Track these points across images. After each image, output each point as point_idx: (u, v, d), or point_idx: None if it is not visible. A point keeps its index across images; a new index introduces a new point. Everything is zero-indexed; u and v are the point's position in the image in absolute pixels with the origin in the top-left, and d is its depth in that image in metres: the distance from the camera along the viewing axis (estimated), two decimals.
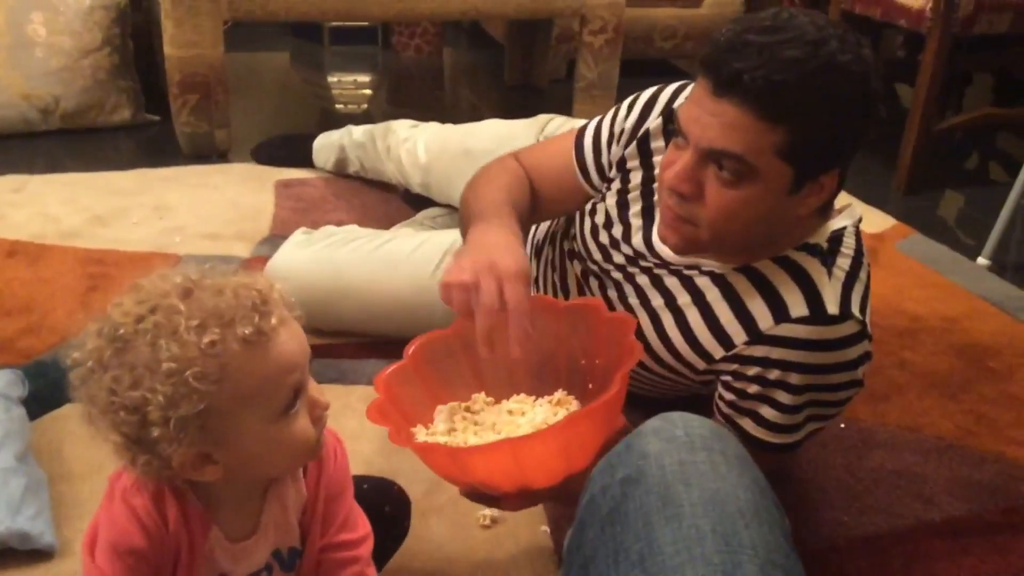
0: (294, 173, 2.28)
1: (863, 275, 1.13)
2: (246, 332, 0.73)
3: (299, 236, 1.65)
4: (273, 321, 0.75)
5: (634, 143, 1.23)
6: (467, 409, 1.11)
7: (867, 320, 1.10)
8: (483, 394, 1.14)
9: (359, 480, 1.01)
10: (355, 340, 1.59)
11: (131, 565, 0.80)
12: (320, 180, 2.25)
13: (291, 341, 0.77)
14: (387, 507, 1.07)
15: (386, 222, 1.94)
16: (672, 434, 0.71)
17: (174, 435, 0.72)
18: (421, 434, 1.06)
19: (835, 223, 1.15)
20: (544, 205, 1.35)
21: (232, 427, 0.75)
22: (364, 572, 0.93)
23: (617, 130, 1.26)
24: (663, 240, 1.13)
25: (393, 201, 2.13)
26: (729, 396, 1.16)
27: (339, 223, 1.75)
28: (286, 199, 2.13)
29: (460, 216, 1.32)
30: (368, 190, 2.20)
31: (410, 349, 1.12)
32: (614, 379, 0.96)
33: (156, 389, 0.72)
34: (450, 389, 1.13)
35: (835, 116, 0.97)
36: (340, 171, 2.25)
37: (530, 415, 1.08)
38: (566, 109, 2.52)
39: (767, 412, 1.13)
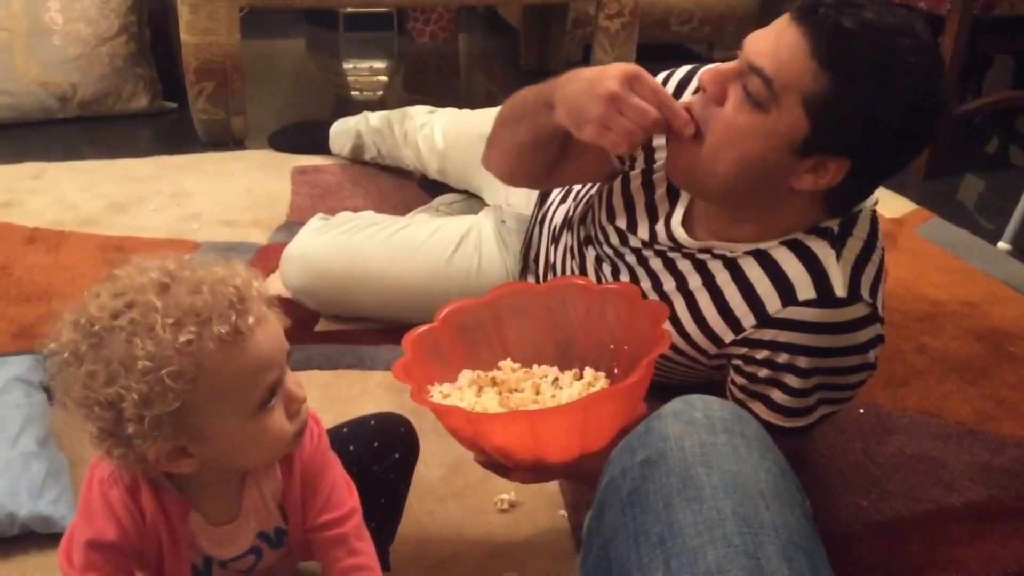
0: (311, 160, 2.28)
1: (875, 258, 1.12)
2: (223, 331, 0.73)
3: (316, 222, 1.65)
4: (250, 320, 0.75)
5: None
6: (493, 380, 1.11)
7: (878, 303, 1.09)
8: (509, 360, 1.14)
9: (366, 418, 1.04)
10: (372, 326, 1.59)
11: (106, 558, 0.80)
12: (336, 167, 2.25)
13: (268, 339, 0.77)
14: (401, 428, 1.07)
15: (402, 208, 1.94)
16: (692, 416, 0.71)
17: (148, 432, 0.73)
18: (440, 396, 1.06)
19: None
20: (572, 158, 1.30)
21: (208, 423, 0.75)
22: (354, 548, 0.93)
23: None
24: (667, 165, 1.13)
25: (409, 187, 2.13)
26: (740, 380, 1.16)
27: (355, 209, 1.75)
28: (303, 186, 2.14)
29: (497, 124, 1.33)
30: (384, 176, 2.20)
31: (441, 314, 1.12)
32: (639, 364, 0.96)
33: (131, 387, 0.71)
34: (477, 358, 1.14)
35: (874, 101, 0.96)
36: (356, 157, 2.25)
37: (560, 394, 1.07)
38: None
39: (777, 396, 1.12)
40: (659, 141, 1.23)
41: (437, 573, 1.12)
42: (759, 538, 0.62)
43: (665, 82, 1.23)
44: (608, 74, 1.05)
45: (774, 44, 0.98)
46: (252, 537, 0.88)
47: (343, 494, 0.93)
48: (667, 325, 1.19)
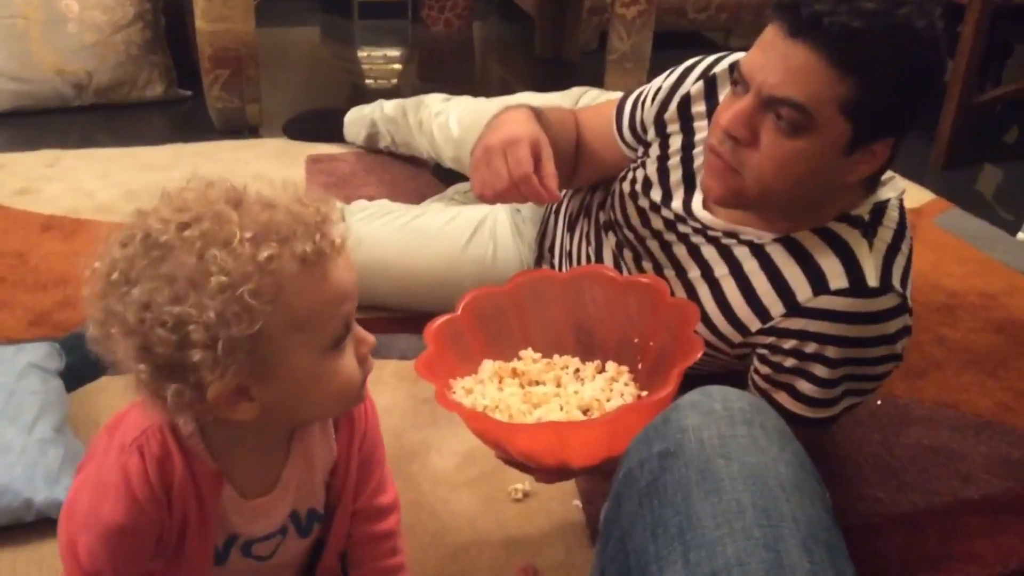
0: (325, 148, 2.28)
1: (905, 248, 1.11)
2: (306, 250, 0.66)
3: None
4: (334, 242, 0.69)
5: (674, 106, 1.22)
6: (514, 370, 1.11)
7: (908, 294, 1.08)
8: (531, 350, 1.14)
9: None
10: (387, 315, 1.59)
11: (119, 547, 0.73)
12: (351, 155, 2.25)
13: (348, 267, 0.70)
14: None
15: (416, 197, 1.94)
16: (711, 408, 0.70)
17: (221, 359, 0.64)
18: (463, 392, 1.06)
19: (879, 195, 1.13)
20: (586, 158, 1.36)
21: (280, 357, 0.67)
22: (398, 546, 0.91)
23: (655, 88, 1.27)
24: (706, 192, 1.11)
25: (423, 176, 2.13)
26: (765, 369, 1.15)
27: (370, 198, 1.75)
28: (317, 174, 2.13)
29: None
30: (399, 165, 2.19)
31: (462, 303, 1.12)
32: (670, 376, 0.95)
33: (204, 305, 0.63)
34: (498, 347, 1.14)
35: (902, 78, 0.96)
36: (371, 146, 2.24)
37: (583, 391, 1.07)
38: (598, 82, 2.49)
39: (803, 386, 1.11)
40: (672, 128, 1.23)
41: (451, 562, 1.12)
42: (779, 530, 0.61)
43: (690, 68, 1.23)
44: (505, 135, 1.13)
45: (786, 68, 0.96)
46: (285, 514, 0.81)
47: (390, 481, 0.90)
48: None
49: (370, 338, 0.75)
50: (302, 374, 0.69)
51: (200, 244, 0.64)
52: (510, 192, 1.12)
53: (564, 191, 1.51)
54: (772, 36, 0.99)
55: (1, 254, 1.70)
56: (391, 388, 1.41)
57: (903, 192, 1.16)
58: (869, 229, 1.09)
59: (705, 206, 1.18)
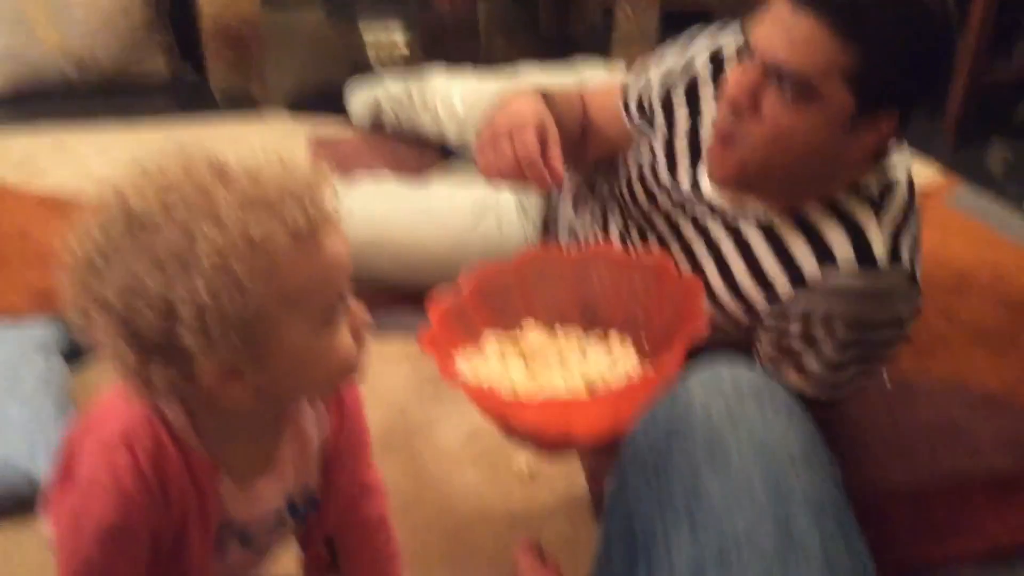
0: (329, 126, 2.26)
1: (914, 225, 1.10)
2: (298, 223, 0.62)
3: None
4: (325, 212, 0.65)
5: (682, 87, 1.21)
6: (517, 342, 1.11)
7: (917, 271, 1.07)
8: (533, 320, 1.13)
9: None
10: (392, 291, 1.58)
11: (115, 549, 0.69)
12: (355, 134, 2.23)
13: (340, 240, 0.67)
14: None
15: (421, 175, 1.92)
16: (719, 383, 0.69)
17: (213, 339, 0.61)
18: (467, 367, 1.05)
19: (887, 172, 1.11)
20: (593, 137, 1.36)
21: (273, 335, 0.64)
22: (391, 533, 0.89)
23: (662, 67, 1.26)
24: (709, 168, 1.10)
25: (428, 154, 2.11)
26: (771, 346, 1.14)
27: (374, 176, 1.74)
28: (321, 153, 2.12)
29: None
30: (404, 143, 2.17)
31: (465, 278, 1.11)
32: (676, 352, 0.94)
33: (194, 285, 0.59)
34: (502, 323, 1.14)
35: (907, 49, 0.95)
36: (375, 124, 2.23)
37: (585, 366, 1.06)
38: (603, 60, 2.47)
39: (810, 363, 1.10)
40: (679, 107, 1.21)
41: (455, 538, 1.12)
42: (789, 505, 0.60)
43: (692, 34, 1.22)
44: (512, 118, 1.13)
45: (790, 39, 0.95)
46: (280, 498, 0.79)
47: (375, 464, 0.89)
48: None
49: (364, 311, 0.72)
50: (296, 352, 0.66)
51: (185, 218, 0.60)
52: (515, 176, 1.12)
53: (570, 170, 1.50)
54: (778, 6, 0.98)
55: (4, 232, 1.69)
56: (395, 364, 1.41)
57: (912, 169, 1.14)
58: (878, 205, 1.08)
59: (712, 183, 1.16)
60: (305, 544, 0.89)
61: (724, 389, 0.69)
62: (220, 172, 0.63)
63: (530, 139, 1.11)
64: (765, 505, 0.60)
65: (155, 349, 0.62)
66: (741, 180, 1.08)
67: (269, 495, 0.78)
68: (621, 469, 0.73)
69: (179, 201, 0.61)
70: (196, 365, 0.62)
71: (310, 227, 0.63)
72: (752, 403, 0.67)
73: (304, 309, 0.65)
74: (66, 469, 0.72)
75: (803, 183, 1.07)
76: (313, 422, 0.80)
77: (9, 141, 2.09)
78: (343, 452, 0.83)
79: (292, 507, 0.81)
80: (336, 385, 0.77)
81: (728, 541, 0.59)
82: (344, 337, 0.69)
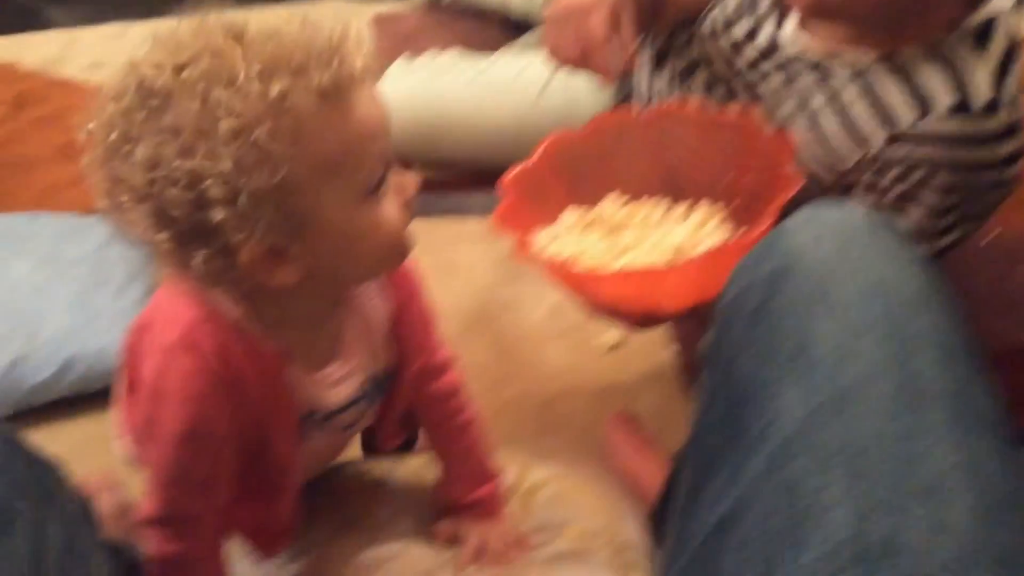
0: (389, 5, 2.20)
1: (1015, 66, 1.01)
2: (323, 82, 0.58)
3: (400, 65, 1.59)
4: (353, 71, 0.60)
5: None
6: (598, 217, 1.06)
7: (1020, 113, 0.99)
8: (615, 193, 1.08)
9: None
10: (463, 172, 1.54)
11: (193, 453, 0.67)
12: (415, 11, 2.17)
13: (374, 100, 0.62)
14: None
15: (486, 51, 1.86)
16: (825, 221, 0.64)
17: (246, 216, 0.58)
18: (545, 242, 1.02)
19: (988, 6, 1.02)
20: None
21: (312, 208, 0.60)
22: (465, 401, 0.87)
23: None
24: (792, 2, 1.02)
25: (491, 28, 2.04)
26: (869, 201, 1.07)
27: (438, 52, 1.68)
28: (384, 32, 2.07)
29: None
30: (466, 17, 2.10)
31: (540, 149, 1.06)
32: (766, 211, 0.89)
33: (218, 155, 0.56)
34: (580, 194, 1.08)
35: None
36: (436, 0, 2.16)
37: (672, 234, 1.02)
38: None
39: (912, 216, 1.04)
40: None
41: (546, 410, 1.10)
42: (911, 347, 0.55)
43: None
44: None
45: None
46: (359, 381, 0.78)
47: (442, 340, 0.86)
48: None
49: (412, 181, 0.67)
50: (340, 226, 0.62)
51: (202, 86, 0.56)
52: (578, 64, 1.08)
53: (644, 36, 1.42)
54: None
55: (78, 128, 1.69)
56: (471, 246, 1.38)
57: (1015, 2, 1.04)
58: (979, 42, 0.99)
59: (802, 28, 1.09)
60: (381, 421, 0.88)
61: (832, 227, 0.63)
62: (238, 36, 0.59)
63: (596, 24, 1.04)
64: (884, 347, 0.55)
65: (189, 231, 0.59)
66: (824, 11, 0.99)
67: (344, 380, 0.76)
68: (720, 319, 0.68)
69: (194, 69, 0.57)
70: (234, 245, 0.59)
71: (337, 87, 0.59)
72: (866, 238, 0.61)
73: (341, 178, 0.61)
74: (130, 382, 0.71)
75: (895, 17, 0.99)
76: (375, 301, 0.77)
77: (75, 37, 2.09)
78: (409, 329, 0.80)
79: (369, 387, 0.80)
80: (388, 264, 0.72)
81: (843, 387, 0.54)
82: (390, 210, 0.65)
